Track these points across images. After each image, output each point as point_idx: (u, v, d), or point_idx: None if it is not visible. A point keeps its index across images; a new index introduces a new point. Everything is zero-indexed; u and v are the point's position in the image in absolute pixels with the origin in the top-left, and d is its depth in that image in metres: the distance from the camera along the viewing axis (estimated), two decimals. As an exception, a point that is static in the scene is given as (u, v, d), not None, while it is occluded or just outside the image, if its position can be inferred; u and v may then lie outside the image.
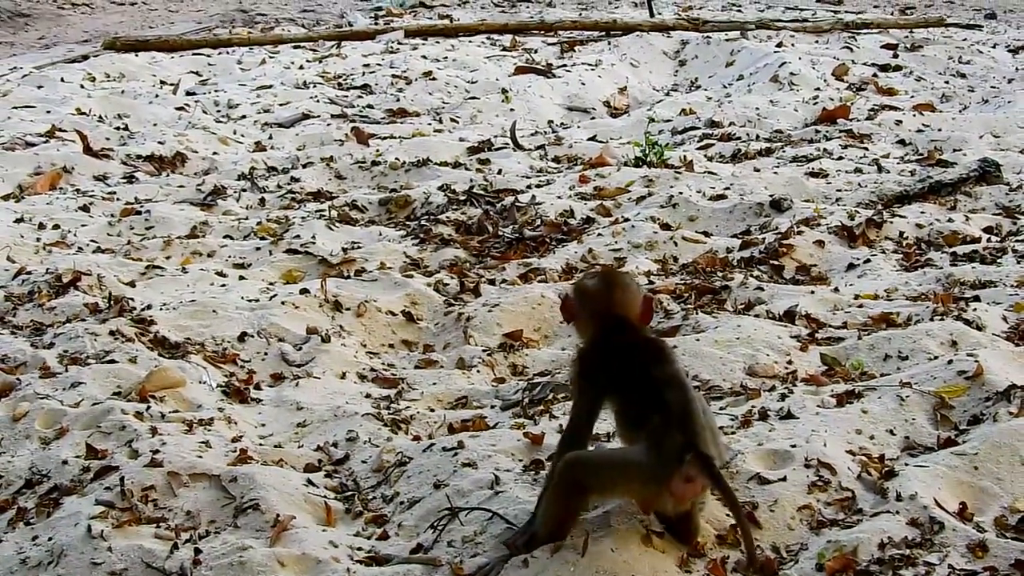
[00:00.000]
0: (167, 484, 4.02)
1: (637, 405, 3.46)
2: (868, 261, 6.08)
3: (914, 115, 9.23)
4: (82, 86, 10.94)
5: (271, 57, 12.60)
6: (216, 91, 11.02)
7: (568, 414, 3.77)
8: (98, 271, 6.03)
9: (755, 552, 3.41)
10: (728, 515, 3.66)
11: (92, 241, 6.79)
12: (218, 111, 10.31)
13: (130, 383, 4.81)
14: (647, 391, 3.44)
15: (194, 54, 12.68)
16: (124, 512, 3.87)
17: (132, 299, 5.74)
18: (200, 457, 4.20)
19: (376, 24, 14.53)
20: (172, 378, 4.84)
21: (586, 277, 3.84)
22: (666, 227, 6.65)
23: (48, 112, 9.73)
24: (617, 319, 3.60)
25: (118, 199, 7.62)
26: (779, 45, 12.23)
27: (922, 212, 6.72)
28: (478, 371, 5.16)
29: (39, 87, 10.76)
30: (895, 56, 11.84)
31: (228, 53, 12.83)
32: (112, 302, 5.68)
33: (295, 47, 13.09)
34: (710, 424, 3.51)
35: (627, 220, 6.74)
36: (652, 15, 14.01)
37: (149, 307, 5.60)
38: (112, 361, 4.99)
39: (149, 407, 4.60)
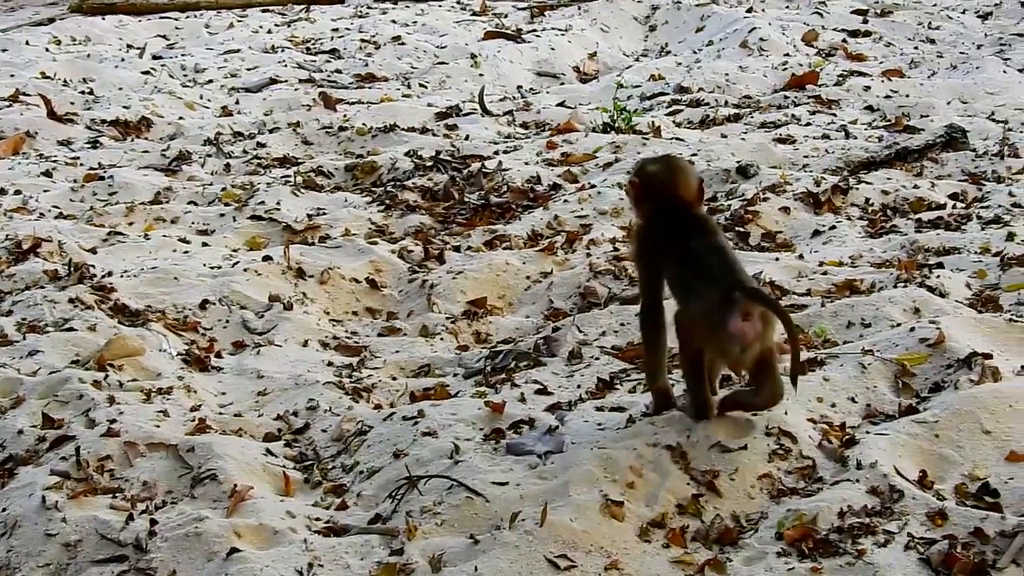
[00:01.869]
0: (123, 454, 3.99)
1: (684, 272, 3.84)
2: (834, 228, 6.06)
3: (883, 81, 9.20)
4: (47, 49, 10.81)
5: (239, 21, 12.48)
6: (183, 55, 10.91)
7: (638, 287, 4.19)
8: (59, 237, 5.96)
9: (799, 365, 3.81)
10: (688, 484, 3.67)
11: (54, 207, 6.71)
12: (185, 75, 10.21)
13: (89, 351, 4.76)
14: (691, 260, 3.81)
15: (161, 18, 12.53)
16: (79, 482, 3.83)
17: (93, 266, 5.69)
18: (158, 427, 4.16)
19: (346, -12, 14.40)
20: (131, 346, 4.79)
21: (648, 162, 4.15)
22: (632, 193, 6.61)
23: (12, 76, 9.60)
24: (673, 199, 3.95)
25: (81, 164, 7.55)
26: (749, 10, 12.17)
27: (888, 178, 6.70)
28: (441, 339, 5.14)
29: (3, 50, 10.65)
30: (865, 22, 11.79)
31: (196, 17, 12.69)
32: (72, 269, 5.62)
33: (263, 11, 12.97)
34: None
35: (594, 187, 6.71)
36: (623, -21, 13.89)
37: (110, 274, 5.55)
38: (71, 329, 4.94)
39: (107, 376, 4.56)
